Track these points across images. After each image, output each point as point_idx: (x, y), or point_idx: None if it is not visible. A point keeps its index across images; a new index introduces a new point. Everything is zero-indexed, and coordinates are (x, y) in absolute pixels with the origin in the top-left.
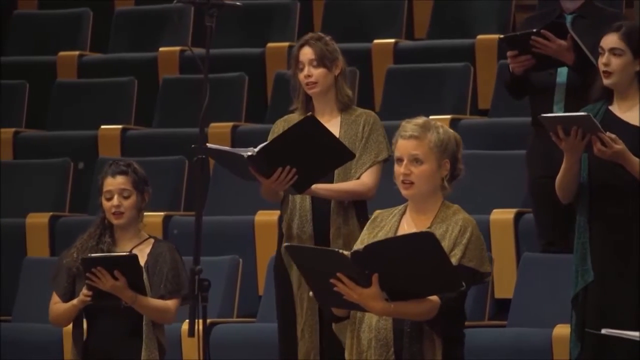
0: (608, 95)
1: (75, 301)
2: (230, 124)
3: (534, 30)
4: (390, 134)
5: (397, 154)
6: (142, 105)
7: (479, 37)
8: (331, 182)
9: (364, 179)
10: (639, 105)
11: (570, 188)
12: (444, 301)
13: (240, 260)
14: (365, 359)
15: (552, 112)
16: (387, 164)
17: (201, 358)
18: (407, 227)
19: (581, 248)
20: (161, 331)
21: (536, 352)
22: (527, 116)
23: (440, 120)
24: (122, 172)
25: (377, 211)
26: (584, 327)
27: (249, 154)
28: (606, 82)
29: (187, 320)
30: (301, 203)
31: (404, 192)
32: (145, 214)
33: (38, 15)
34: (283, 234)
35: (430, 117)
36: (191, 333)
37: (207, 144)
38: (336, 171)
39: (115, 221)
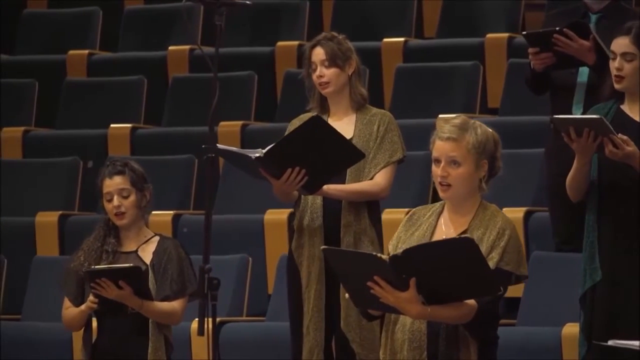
0: (619, 94)
1: (83, 307)
2: (240, 122)
3: (557, 28)
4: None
5: (434, 154)
6: (152, 104)
7: (489, 35)
8: (344, 181)
9: (377, 179)
10: None
11: (580, 187)
12: (481, 305)
13: (250, 258)
14: None
15: (571, 111)
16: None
17: (210, 357)
18: (445, 227)
19: (590, 247)
20: (168, 328)
21: (545, 350)
22: (537, 115)
23: None
24: (119, 172)
25: (415, 208)
26: (591, 327)
27: (257, 155)
28: (617, 86)
29: (197, 319)
30: (313, 200)
31: (441, 194)
32: (154, 212)
33: (48, 14)
34: (294, 230)
35: (440, 115)
36: (201, 332)
37: (217, 145)
38: (348, 170)
39: (118, 222)
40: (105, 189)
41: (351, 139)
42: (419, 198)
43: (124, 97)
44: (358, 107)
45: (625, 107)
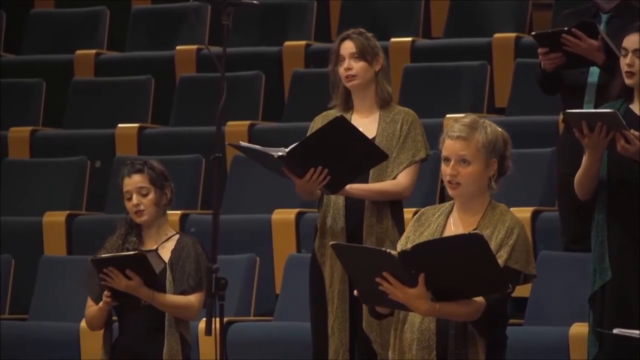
0: (628, 93)
1: (100, 304)
2: (247, 122)
3: (565, 28)
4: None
5: (444, 153)
6: (159, 104)
7: (496, 35)
8: (366, 180)
9: (400, 179)
10: None
11: (589, 185)
12: (490, 302)
13: (257, 258)
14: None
15: None
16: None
17: (218, 357)
18: (454, 227)
19: (599, 247)
20: (185, 327)
21: (553, 350)
22: (544, 114)
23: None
24: (137, 171)
25: (423, 208)
26: (602, 327)
27: (280, 154)
28: (628, 82)
29: (204, 319)
30: (335, 199)
31: (450, 192)
32: None
33: (55, 14)
34: (317, 229)
35: (447, 115)
36: (208, 332)
37: (241, 142)
38: (371, 170)
39: (137, 220)
40: (125, 188)
41: (374, 137)
42: (427, 198)
43: (132, 97)
44: (383, 104)
45: (634, 107)
